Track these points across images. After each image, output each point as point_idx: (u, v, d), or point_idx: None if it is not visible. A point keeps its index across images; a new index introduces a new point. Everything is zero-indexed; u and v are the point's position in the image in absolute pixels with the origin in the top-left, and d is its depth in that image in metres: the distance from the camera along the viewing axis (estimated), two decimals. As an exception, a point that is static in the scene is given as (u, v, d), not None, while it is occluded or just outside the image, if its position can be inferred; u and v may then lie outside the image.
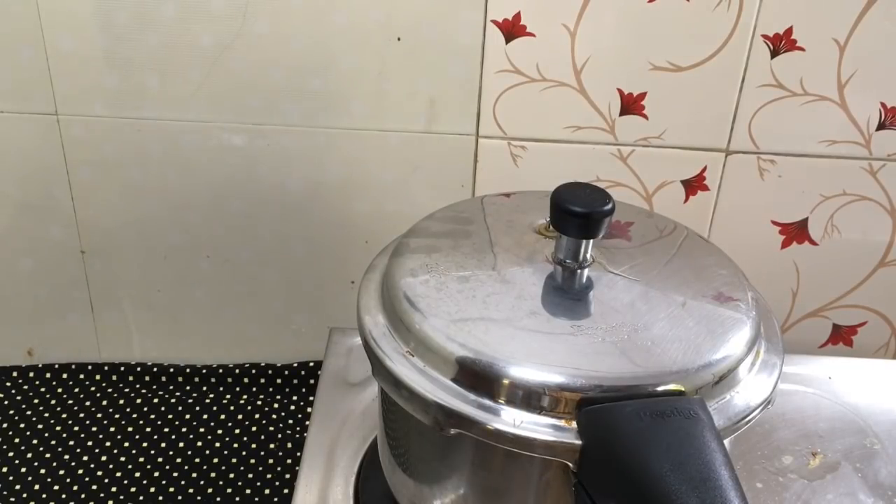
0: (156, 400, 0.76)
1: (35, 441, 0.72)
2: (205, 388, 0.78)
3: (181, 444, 0.72)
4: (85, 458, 0.70)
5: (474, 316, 0.43)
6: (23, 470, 0.69)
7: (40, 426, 0.73)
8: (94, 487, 0.68)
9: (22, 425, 0.73)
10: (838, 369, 0.71)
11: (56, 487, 0.68)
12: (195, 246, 0.74)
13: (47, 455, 0.70)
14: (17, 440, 0.72)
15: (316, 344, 0.75)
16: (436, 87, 0.66)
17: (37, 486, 0.68)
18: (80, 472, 0.69)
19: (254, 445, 0.72)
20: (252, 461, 0.71)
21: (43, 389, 0.77)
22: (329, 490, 0.58)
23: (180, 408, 0.75)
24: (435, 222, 0.52)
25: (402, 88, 0.67)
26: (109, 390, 0.77)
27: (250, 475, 0.70)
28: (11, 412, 0.74)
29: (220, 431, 0.73)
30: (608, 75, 0.66)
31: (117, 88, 0.67)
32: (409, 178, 0.70)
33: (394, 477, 0.52)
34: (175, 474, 0.69)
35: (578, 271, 0.46)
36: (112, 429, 0.73)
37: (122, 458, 0.70)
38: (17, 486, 0.68)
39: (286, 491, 0.69)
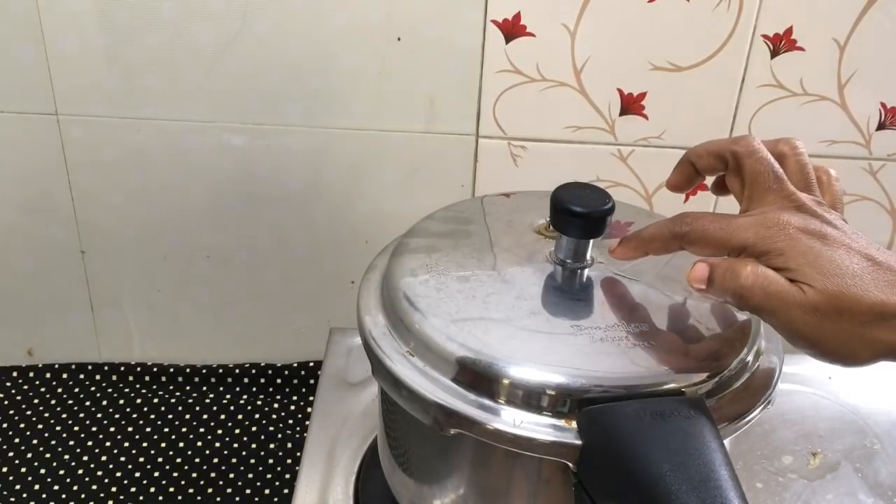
0: (156, 400, 0.76)
1: (35, 441, 0.72)
2: (205, 388, 0.78)
3: (181, 444, 0.72)
4: (85, 458, 0.70)
5: (474, 316, 0.43)
6: (23, 470, 0.69)
7: (40, 426, 0.73)
8: (94, 487, 0.68)
9: (22, 425, 0.73)
10: (838, 369, 0.71)
11: (56, 487, 0.68)
12: (195, 246, 0.74)
13: (47, 455, 0.70)
14: (17, 440, 0.72)
15: (316, 344, 0.75)
16: (436, 87, 0.66)
17: (37, 486, 0.68)
18: (80, 472, 0.69)
19: (254, 445, 0.72)
20: (252, 461, 0.71)
21: (43, 389, 0.77)
22: (329, 490, 0.58)
23: (180, 408, 0.75)
24: (435, 222, 0.52)
25: (402, 88, 0.67)
26: (109, 390, 0.77)
27: (250, 475, 0.70)
28: (11, 412, 0.74)
29: (220, 431, 0.73)
30: (608, 75, 0.66)
31: (117, 88, 0.67)
32: (409, 178, 0.70)
33: (394, 477, 0.52)
34: (175, 474, 0.69)
35: (578, 271, 0.46)
36: (112, 429, 0.73)
37: (122, 458, 0.70)
38: (17, 486, 0.68)
39: (286, 491, 0.69)
